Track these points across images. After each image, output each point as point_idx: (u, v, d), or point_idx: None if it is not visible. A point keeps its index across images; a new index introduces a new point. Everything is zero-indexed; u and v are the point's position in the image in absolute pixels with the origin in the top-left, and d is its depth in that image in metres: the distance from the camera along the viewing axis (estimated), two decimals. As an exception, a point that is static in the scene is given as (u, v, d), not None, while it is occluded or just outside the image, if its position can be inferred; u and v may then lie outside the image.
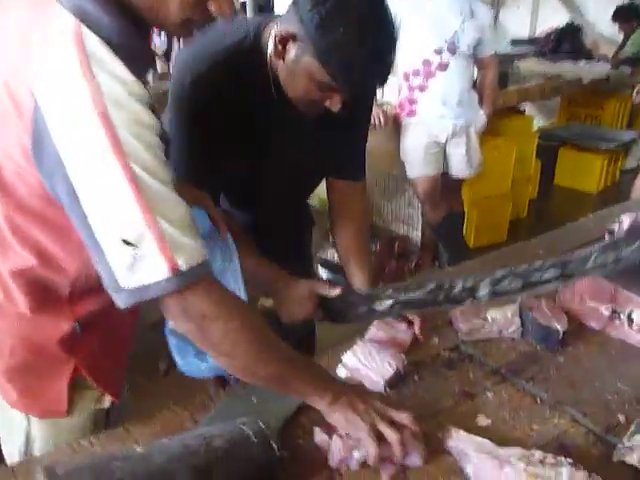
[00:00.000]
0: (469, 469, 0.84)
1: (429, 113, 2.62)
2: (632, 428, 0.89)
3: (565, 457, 0.83)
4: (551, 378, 1.08)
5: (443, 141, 2.69)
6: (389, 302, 1.13)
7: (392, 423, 0.84)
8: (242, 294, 1.02)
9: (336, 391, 0.86)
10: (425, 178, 2.74)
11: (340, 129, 1.19)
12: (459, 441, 0.87)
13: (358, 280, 1.28)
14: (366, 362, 1.07)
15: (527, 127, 3.78)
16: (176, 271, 0.70)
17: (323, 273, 2.83)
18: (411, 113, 2.66)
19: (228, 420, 0.87)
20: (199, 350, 0.98)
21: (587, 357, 1.14)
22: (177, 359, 1.07)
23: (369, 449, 0.82)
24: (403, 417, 0.86)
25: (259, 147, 1.18)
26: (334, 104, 1.03)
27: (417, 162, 2.71)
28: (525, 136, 3.64)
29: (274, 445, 0.82)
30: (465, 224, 3.21)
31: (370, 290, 1.23)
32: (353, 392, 0.89)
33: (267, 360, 0.81)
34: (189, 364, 1.06)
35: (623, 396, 1.02)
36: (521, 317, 1.22)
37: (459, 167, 2.78)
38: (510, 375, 1.09)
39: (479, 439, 0.87)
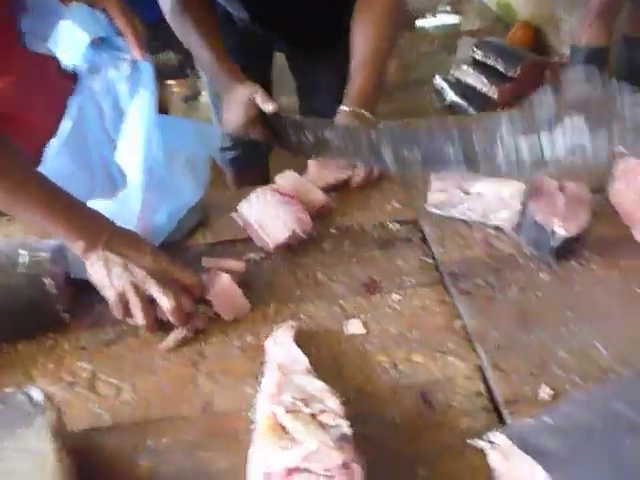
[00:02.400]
0: (264, 379, 0.62)
1: None
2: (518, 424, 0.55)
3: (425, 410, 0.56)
4: (498, 301, 0.72)
5: None
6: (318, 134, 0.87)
7: (165, 285, 0.68)
8: (146, 120, 0.79)
9: (93, 238, 0.69)
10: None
11: None
12: (275, 344, 0.64)
13: (349, 92, 0.99)
14: (260, 215, 0.82)
15: None
16: None
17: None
18: None
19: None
20: None
21: (587, 285, 0.74)
22: None
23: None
24: (186, 277, 0.71)
25: None
26: None
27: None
28: None
29: (46, 281, 0.68)
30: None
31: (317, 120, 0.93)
32: (122, 242, 0.70)
33: (20, 202, 0.69)
34: None
35: (587, 359, 0.64)
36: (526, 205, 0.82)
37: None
38: (449, 278, 0.76)
39: (295, 352, 0.62)
